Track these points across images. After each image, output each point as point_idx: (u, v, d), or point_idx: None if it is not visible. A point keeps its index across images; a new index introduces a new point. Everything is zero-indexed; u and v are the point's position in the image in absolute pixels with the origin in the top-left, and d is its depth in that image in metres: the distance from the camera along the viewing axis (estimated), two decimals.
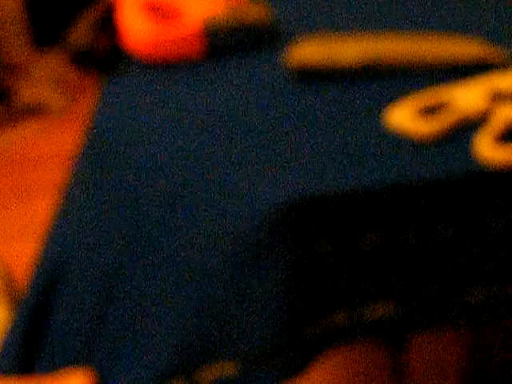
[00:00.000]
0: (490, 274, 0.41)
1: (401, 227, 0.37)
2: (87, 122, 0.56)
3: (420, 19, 0.64)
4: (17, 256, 1.66)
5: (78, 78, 2.62)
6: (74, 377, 0.34)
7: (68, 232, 0.43)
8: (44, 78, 2.60)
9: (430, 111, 0.45)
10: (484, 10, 0.65)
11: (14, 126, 2.44)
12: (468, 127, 0.44)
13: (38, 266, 0.40)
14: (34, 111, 2.51)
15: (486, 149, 0.40)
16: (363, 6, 0.69)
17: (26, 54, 2.71)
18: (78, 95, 2.62)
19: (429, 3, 0.68)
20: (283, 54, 0.55)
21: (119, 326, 0.37)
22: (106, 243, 0.41)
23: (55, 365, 0.35)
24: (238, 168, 0.41)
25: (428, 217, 0.40)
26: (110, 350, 0.36)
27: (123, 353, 0.36)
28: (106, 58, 0.61)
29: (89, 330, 0.37)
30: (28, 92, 2.52)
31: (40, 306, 0.38)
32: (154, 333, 0.36)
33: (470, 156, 0.41)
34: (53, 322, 0.37)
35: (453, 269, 0.41)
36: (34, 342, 0.37)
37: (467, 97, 0.45)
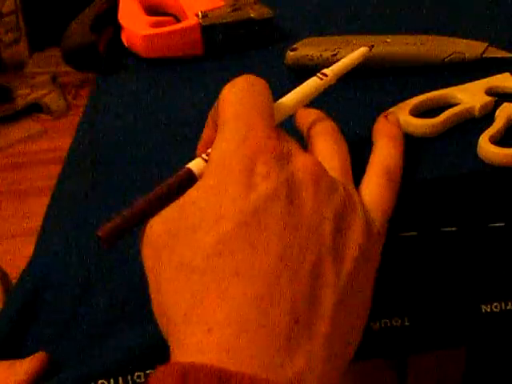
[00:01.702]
0: (504, 284, 0.40)
1: (403, 227, 0.37)
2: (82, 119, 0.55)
3: (419, 20, 0.64)
4: (14, 255, 1.66)
5: (77, 78, 2.63)
6: (25, 360, 0.34)
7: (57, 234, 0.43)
8: (43, 79, 2.60)
9: (430, 110, 0.45)
10: (483, 10, 0.65)
11: (14, 126, 2.45)
12: (468, 126, 0.44)
13: (28, 267, 0.41)
14: (34, 111, 2.51)
15: (488, 147, 0.40)
16: (363, 6, 0.69)
17: (25, 54, 2.72)
18: (78, 95, 2.62)
19: (429, 4, 0.67)
20: (282, 53, 0.54)
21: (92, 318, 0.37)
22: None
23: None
24: None
25: (430, 216, 0.39)
26: (81, 342, 0.36)
27: (93, 346, 0.36)
28: (103, 56, 0.61)
29: (64, 325, 0.37)
30: (28, 92, 2.53)
31: (26, 301, 0.38)
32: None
33: (472, 154, 0.41)
34: (37, 315, 0.38)
35: (459, 275, 0.40)
36: (21, 334, 0.37)
37: (468, 96, 0.45)
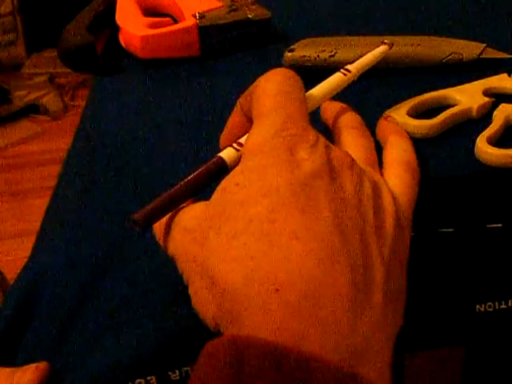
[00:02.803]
0: (498, 284, 0.41)
1: None
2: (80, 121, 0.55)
3: (418, 20, 0.64)
4: (12, 255, 1.65)
5: (75, 79, 2.62)
6: (27, 370, 0.34)
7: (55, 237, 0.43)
8: (41, 80, 2.60)
9: (427, 111, 0.45)
10: (481, 10, 0.65)
11: (11, 127, 2.44)
12: (466, 127, 0.44)
13: (26, 267, 0.40)
14: (31, 112, 2.51)
15: (486, 148, 0.40)
16: (361, 7, 0.69)
17: (22, 55, 2.71)
18: (75, 96, 2.62)
19: (427, 5, 0.67)
20: (279, 53, 0.54)
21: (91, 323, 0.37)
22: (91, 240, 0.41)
23: (31, 359, 0.35)
24: None
25: (427, 217, 0.39)
26: (79, 347, 0.36)
27: (92, 349, 0.36)
28: (100, 57, 0.61)
29: (63, 327, 0.37)
30: (25, 93, 2.52)
31: (24, 301, 0.38)
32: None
33: (470, 155, 0.41)
34: (34, 316, 0.38)
35: (459, 277, 0.40)
36: (17, 335, 0.37)
37: (466, 96, 0.45)
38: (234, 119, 0.40)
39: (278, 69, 0.36)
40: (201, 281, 0.31)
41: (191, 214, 0.33)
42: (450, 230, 0.39)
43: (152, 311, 0.37)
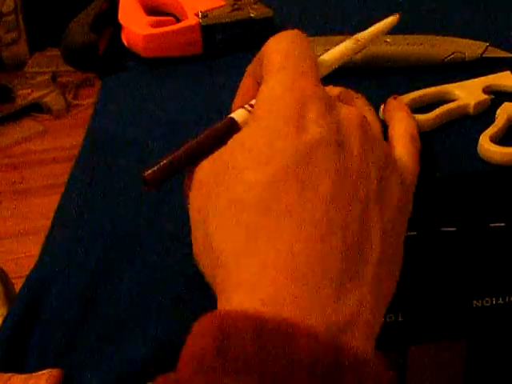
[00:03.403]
0: (496, 281, 0.41)
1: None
2: (87, 121, 0.55)
3: (419, 20, 0.64)
4: (14, 254, 1.66)
5: (77, 78, 2.62)
6: (40, 376, 0.34)
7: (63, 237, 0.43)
8: (43, 78, 2.60)
9: (429, 106, 0.45)
10: (483, 10, 0.65)
11: (14, 125, 2.45)
12: (469, 125, 0.44)
13: (33, 269, 0.40)
14: (34, 111, 2.51)
15: (489, 146, 0.40)
16: (363, 6, 0.69)
17: (24, 54, 2.71)
18: (78, 95, 2.62)
19: (428, 4, 0.67)
20: None
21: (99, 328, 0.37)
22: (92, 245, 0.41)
23: (41, 364, 0.35)
24: None
25: (431, 217, 0.39)
26: (88, 352, 0.36)
27: (102, 353, 0.36)
28: (103, 56, 0.61)
29: (71, 331, 0.37)
30: (27, 92, 2.53)
31: (31, 305, 0.38)
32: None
33: (473, 153, 0.41)
34: (41, 320, 0.37)
35: (458, 275, 0.40)
36: (24, 340, 0.36)
37: (464, 93, 0.45)
38: (244, 86, 0.40)
39: (287, 30, 0.36)
40: (201, 236, 0.32)
41: (202, 166, 0.33)
42: (453, 229, 0.39)
43: (158, 313, 0.36)
